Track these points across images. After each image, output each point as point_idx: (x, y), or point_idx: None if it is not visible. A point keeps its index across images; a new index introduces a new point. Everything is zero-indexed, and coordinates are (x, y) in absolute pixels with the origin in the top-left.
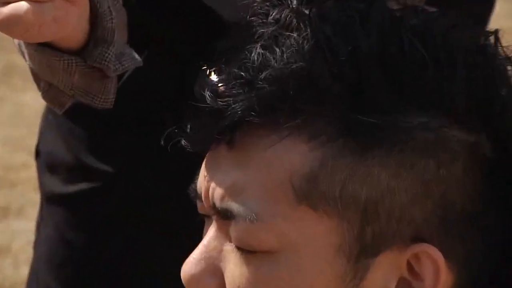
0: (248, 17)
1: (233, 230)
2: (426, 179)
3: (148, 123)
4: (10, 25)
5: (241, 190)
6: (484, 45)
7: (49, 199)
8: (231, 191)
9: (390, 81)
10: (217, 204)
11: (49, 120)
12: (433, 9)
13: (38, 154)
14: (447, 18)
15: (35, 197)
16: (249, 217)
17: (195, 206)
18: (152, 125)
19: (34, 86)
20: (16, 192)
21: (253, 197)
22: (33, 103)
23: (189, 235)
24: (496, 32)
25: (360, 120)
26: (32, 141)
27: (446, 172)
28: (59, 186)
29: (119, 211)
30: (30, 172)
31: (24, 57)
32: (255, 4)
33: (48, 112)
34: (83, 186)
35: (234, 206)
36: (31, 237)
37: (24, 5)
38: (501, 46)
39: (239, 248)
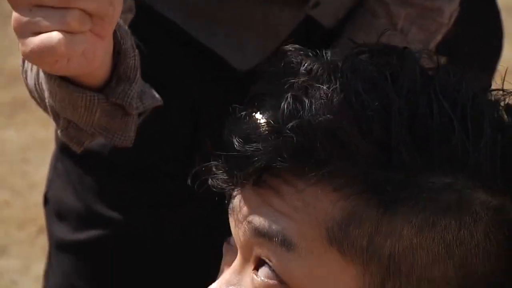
0: (281, 65)
1: (265, 251)
2: (447, 240)
3: (159, 172)
4: (40, 55)
5: (279, 221)
6: (511, 107)
7: (57, 247)
8: (269, 220)
9: (417, 141)
10: (258, 225)
11: (57, 168)
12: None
13: (46, 201)
14: (477, 80)
15: (18, 236)
16: (286, 243)
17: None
18: (163, 173)
19: (15, 122)
20: None
21: (292, 229)
22: (14, 140)
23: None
24: None
25: (384, 177)
26: (14, 178)
27: (468, 234)
28: (68, 234)
29: (128, 259)
30: (13, 210)
31: (37, 98)
32: (290, 53)
33: (56, 160)
34: (92, 233)
35: (274, 227)
36: (15, 276)
37: (56, 36)
38: None
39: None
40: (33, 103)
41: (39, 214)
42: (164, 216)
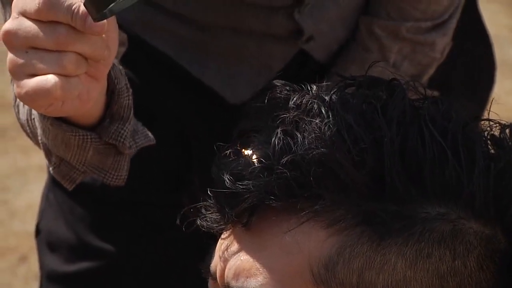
0: (267, 100)
1: None
2: (441, 271)
3: (148, 204)
4: (35, 98)
5: (258, 272)
6: (501, 138)
7: (49, 278)
8: (248, 273)
9: (410, 172)
10: (232, 283)
11: (49, 199)
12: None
13: (38, 232)
14: (465, 110)
15: None
16: None
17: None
18: (152, 205)
19: None
20: None
21: (271, 280)
22: None
23: None
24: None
25: (379, 209)
26: None
27: (462, 265)
28: (59, 265)
29: None
30: None
31: (29, 133)
32: (276, 88)
33: (49, 191)
34: (84, 265)
35: (251, 287)
36: None
37: (51, 79)
38: None
39: None
40: (12, 131)
41: (20, 243)
42: (153, 247)
